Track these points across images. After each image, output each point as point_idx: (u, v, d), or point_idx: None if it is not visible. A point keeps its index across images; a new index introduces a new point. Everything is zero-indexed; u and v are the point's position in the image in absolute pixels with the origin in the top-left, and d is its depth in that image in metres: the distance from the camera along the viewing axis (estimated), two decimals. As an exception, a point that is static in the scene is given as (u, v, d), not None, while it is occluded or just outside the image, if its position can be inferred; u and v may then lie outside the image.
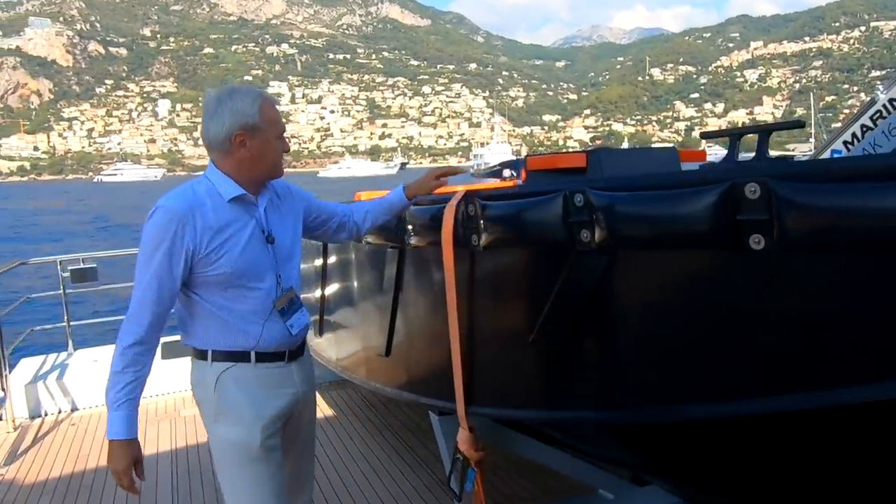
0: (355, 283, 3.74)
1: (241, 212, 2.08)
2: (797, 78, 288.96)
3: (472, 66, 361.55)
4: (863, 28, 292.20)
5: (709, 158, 3.43)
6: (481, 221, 2.27)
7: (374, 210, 2.65)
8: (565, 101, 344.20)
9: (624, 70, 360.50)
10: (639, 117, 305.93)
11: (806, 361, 1.56)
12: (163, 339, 5.50)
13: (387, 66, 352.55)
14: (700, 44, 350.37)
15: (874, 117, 5.52)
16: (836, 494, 1.79)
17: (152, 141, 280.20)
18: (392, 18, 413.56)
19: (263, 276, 2.10)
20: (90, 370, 5.67)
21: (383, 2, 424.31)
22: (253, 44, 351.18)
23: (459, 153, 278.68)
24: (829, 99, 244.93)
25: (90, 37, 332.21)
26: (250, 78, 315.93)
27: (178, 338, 2.27)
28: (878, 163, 1.40)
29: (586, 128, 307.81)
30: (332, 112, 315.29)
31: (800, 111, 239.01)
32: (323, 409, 5.25)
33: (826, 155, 5.98)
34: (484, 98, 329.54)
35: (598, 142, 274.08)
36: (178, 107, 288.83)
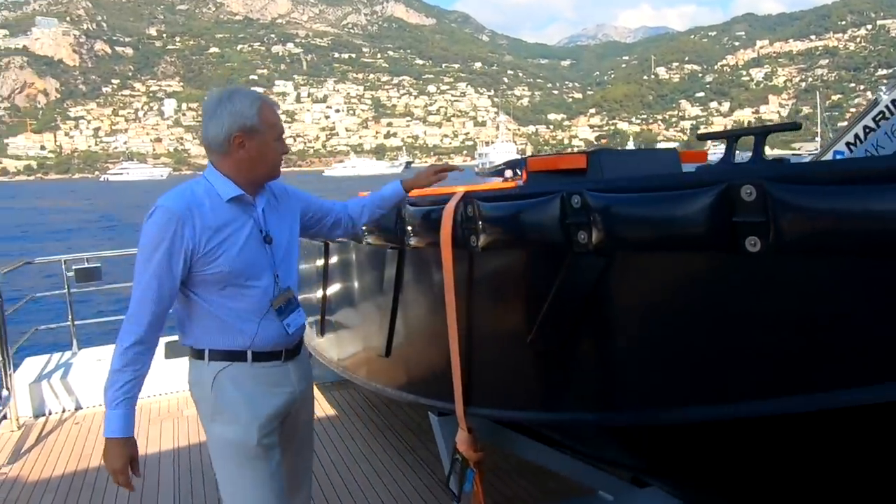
0: (356, 284, 3.74)
1: (239, 212, 2.10)
2: (803, 76, 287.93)
3: (478, 65, 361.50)
4: (869, 26, 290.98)
5: (711, 159, 3.42)
6: (480, 222, 2.27)
7: (371, 204, 2.68)
8: (570, 100, 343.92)
9: (629, 69, 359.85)
10: (644, 116, 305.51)
11: (803, 363, 1.56)
12: (166, 339, 5.54)
13: (392, 66, 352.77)
14: (705, 43, 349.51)
15: (877, 118, 5.50)
16: (836, 496, 1.79)
17: (158, 140, 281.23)
18: (397, 17, 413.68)
19: (261, 275, 2.11)
20: (94, 369, 5.69)
21: (388, 1, 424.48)
22: (258, 43, 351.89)
23: (464, 152, 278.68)
24: (835, 98, 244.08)
25: (96, 36, 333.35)
26: (256, 77, 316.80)
27: None
28: (873, 165, 1.41)
29: (591, 127, 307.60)
30: (338, 111, 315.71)
31: (806, 110, 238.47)
32: (325, 408, 5.26)
33: (829, 156, 5.98)
34: (489, 97, 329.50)
35: (604, 141, 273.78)
36: (184, 106, 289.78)
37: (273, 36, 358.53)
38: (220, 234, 2.04)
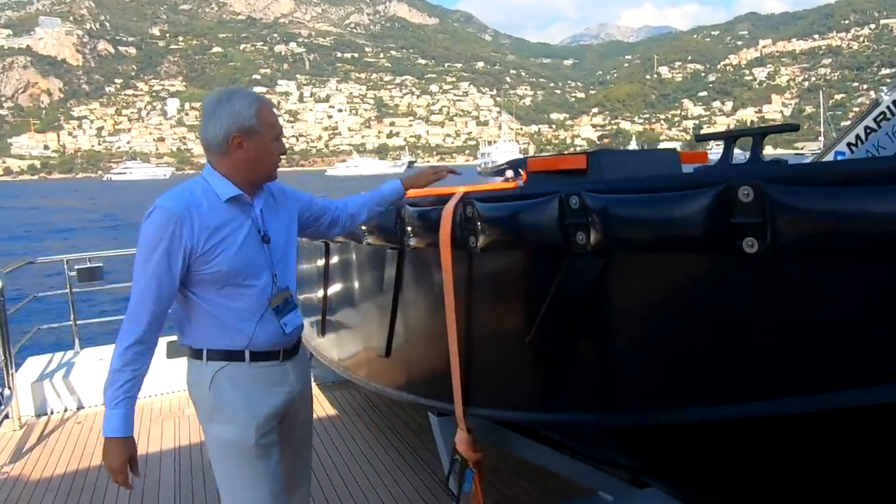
0: (356, 284, 3.75)
1: (237, 211, 2.11)
2: (806, 76, 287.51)
3: (480, 64, 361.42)
4: (872, 26, 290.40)
5: (712, 159, 3.38)
6: (478, 223, 2.28)
7: (370, 202, 2.69)
8: (573, 99, 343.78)
9: (632, 68, 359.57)
10: (647, 116, 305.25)
11: (802, 365, 1.56)
12: (167, 339, 5.55)
13: (394, 65, 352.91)
14: (708, 42, 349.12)
15: (878, 119, 5.49)
16: (836, 497, 1.79)
17: (161, 140, 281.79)
18: (400, 17, 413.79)
19: (259, 274, 2.12)
20: (96, 369, 5.70)
21: (391, 0, 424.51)
22: (261, 43, 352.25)
23: (467, 151, 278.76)
24: (838, 97, 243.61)
25: (100, 36, 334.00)
26: (259, 77, 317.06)
27: None
28: (870, 166, 1.41)
29: (594, 126, 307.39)
30: (340, 111, 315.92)
31: (809, 109, 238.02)
32: (326, 408, 5.27)
33: (830, 157, 5.97)
34: (492, 96, 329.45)
35: (607, 140, 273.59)
36: (187, 105, 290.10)
37: (276, 35, 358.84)
38: (219, 233, 2.05)
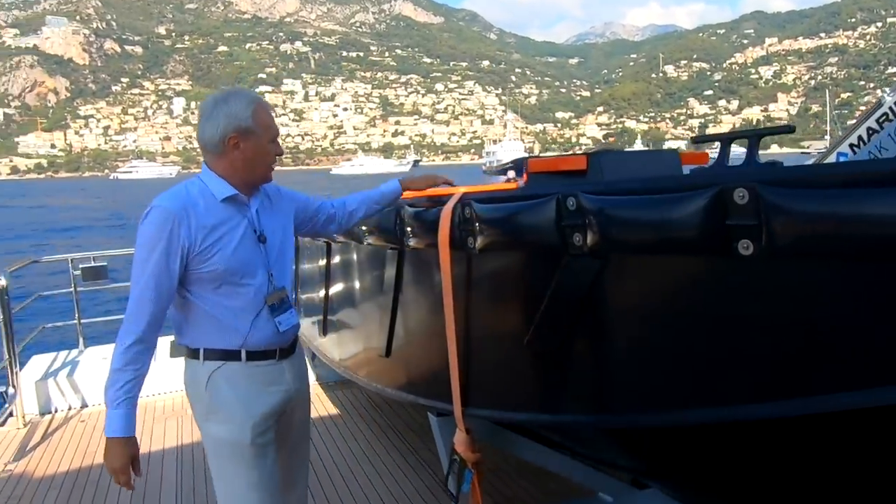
0: (357, 284, 3.77)
1: (233, 211, 2.12)
2: (812, 74, 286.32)
3: (485, 63, 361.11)
4: (879, 24, 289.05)
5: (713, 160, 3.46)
6: (477, 224, 2.28)
7: (368, 200, 2.71)
8: (578, 98, 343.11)
9: (637, 67, 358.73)
10: (652, 114, 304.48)
11: (798, 367, 1.56)
12: (170, 338, 5.58)
13: (400, 64, 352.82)
14: (714, 40, 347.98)
15: (880, 120, 5.46)
16: (835, 498, 1.80)
17: (167, 138, 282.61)
18: (405, 16, 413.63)
19: (255, 273, 2.14)
20: (100, 367, 5.73)
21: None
22: (267, 42, 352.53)
23: (472, 150, 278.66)
24: (844, 96, 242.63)
25: (106, 35, 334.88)
26: (264, 76, 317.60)
27: None
28: (865, 169, 1.42)
29: (599, 125, 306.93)
30: (346, 109, 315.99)
31: (815, 108, 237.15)
32: (327, 408, 5.29)
33: (832, 158, 5.94)
34: (497, 95, 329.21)
35: (612, 139, 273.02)
36: (193, 104, 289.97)
37: (281, 34, 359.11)
38: (216, 232, 2.06)
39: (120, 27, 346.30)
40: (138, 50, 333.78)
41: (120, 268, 7.31)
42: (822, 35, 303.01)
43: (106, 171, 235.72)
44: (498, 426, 2.86)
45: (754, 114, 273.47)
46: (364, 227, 3.08)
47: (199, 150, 2.14)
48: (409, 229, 2.74)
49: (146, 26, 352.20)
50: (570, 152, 2.90)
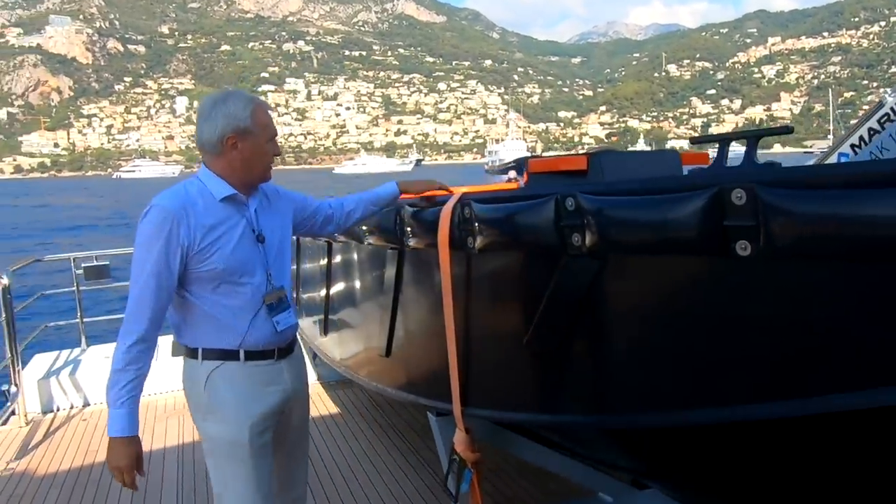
0: (357, 284, 3.78)
1: (232, 211, 2.13)
2: (815, 74, 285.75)
3: (488, 62, 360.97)
4: (882, 23, 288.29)
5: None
6: (476, 224, 2.29)
7: (366, 201, 2.72)
8: (581, 97, 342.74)
9: (640, 66, 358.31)
10: (655, 114, 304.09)
11: (796, 368, 1.56)
12: (172, 337, 5.60)
13: (402, 63, 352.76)
14: (717, 39, 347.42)
15: (881, 120, 5.45)
16: (834, 498, 1.80)
17: (170, 138, 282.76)
18: (408, 15, 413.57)
19: (254, 272, 2.15)
20: (102, 366, 5.74)
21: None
22: (270, 41, 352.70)
23: (474, 150, 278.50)
24: (847, 95, 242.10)
25: (109, 34, 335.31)
26: (267, 75, 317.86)
27: None
28: (862, 170, 1.42)
29: (602, 124, 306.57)
30: (348, 109, 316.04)
31: (818, 107, 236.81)
32: (329, 407, 5.30)
33: (833, 158, 5.94)
34: (499, 94, 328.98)
35: (614, 138, 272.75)
36: (196, 104, 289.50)
37: (284, 34, 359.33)
38: (214, 231, 2.07)
39: (123, 26, 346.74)
40: (141, 49, 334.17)
41: (122, 267, 7.33)
42: (826, 34, 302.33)
43: (109, 170, 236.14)
44: (498, 426, 2.86)
45: (757, 113, 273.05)
46: (364, 227, 3.08)
47: (202, 149, 2.18)
48: (409, 229, 2.74)
49: (149, 25, 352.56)
50: (573, 152, 2.93)
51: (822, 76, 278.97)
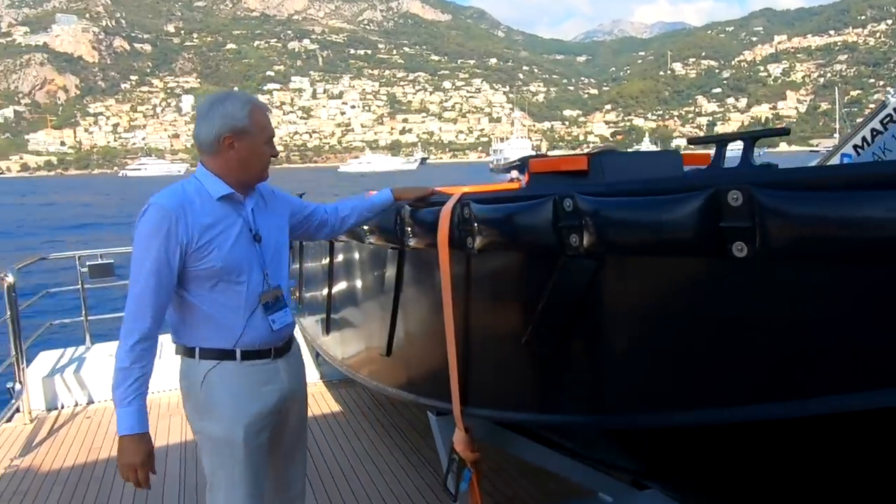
0: (358, 284, 3.79)
1: (229, 210, 2.15)
2: (822, 72, 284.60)
3: (493, 61, 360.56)
4: (889, 21, 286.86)
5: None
6: (475, 224, 2.29)
7: (361, 208, 2.76)
8: (586, 95, 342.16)
9: (645, 65, 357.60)
10: (660, 112, 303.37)
11: (794, 369, 1.56)
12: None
13: (407, 62, 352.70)
14: (723, 38, 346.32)
15: (884, 121, 5.44)
16: (833, 499, 1.81)
17: (176, 136, 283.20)
18: (413, 13, 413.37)
19: (251, 271, 2.16)
20: (107, 364, 5.76)
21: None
22: (275, 39, 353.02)
23: (479, 148, 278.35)
24: (854, 93, 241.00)
25: (115, 33, 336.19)
26: (272, 73, 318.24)
27: None
28: (858, 171, 1.43)
29: (607, 123, 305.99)
30: (353, 107, 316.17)
31: (824, 106, 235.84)
32: (330, 406, 5.31)
33: (836, 159, 5.92)
34: (504, 93, 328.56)
35: (620, 137, 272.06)
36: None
37: (289, 32, 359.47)
38: (212, 230, 2.08)
39: (129, 25, 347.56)
40: (147, 48, 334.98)
41: (127, 265, 7.32)
42: (832, 32, 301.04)
43: (115, 168, 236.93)
44: (497, 426, 2.87)
45: (763, 112, 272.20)
46: (365, 227, 3.09)
47: (205, 148, 2.19)
48: (409, 229, 2.75)
49: (155, 24, 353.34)
50: (578, 150, 2.95)
51: (829, 74, 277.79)
